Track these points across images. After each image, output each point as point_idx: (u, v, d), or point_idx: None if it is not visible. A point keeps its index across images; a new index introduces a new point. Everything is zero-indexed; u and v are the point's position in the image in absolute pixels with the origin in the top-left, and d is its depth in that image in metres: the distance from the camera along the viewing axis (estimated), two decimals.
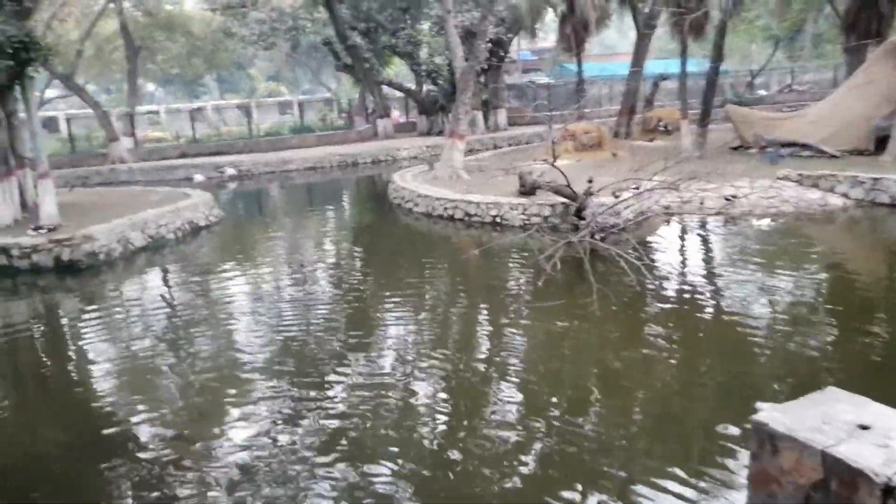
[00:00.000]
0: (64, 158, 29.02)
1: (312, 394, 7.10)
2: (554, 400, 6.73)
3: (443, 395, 6.94)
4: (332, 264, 13.44)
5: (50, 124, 37.01)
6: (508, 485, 5.33)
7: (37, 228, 14.10)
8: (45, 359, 9.42)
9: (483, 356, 8.01)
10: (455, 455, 5.79)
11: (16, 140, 16.94)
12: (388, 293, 10.79)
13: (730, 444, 5.59)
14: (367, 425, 6.35)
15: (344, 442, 6.08)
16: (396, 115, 39.38)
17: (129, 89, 35.19)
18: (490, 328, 9.08)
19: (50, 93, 39.65)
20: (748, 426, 3.20)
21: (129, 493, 5.53)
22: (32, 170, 16.19)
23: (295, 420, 6.54)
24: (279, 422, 6.53)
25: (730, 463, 5.34)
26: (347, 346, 8.48)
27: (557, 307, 9.28)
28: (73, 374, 8.67)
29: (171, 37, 35.83)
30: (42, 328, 10.66)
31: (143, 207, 16.26)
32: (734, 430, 5.74)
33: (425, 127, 35.45)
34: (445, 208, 15.92)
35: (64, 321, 11.09)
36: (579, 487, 5.23)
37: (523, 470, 5.53)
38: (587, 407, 6.66)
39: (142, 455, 6.11)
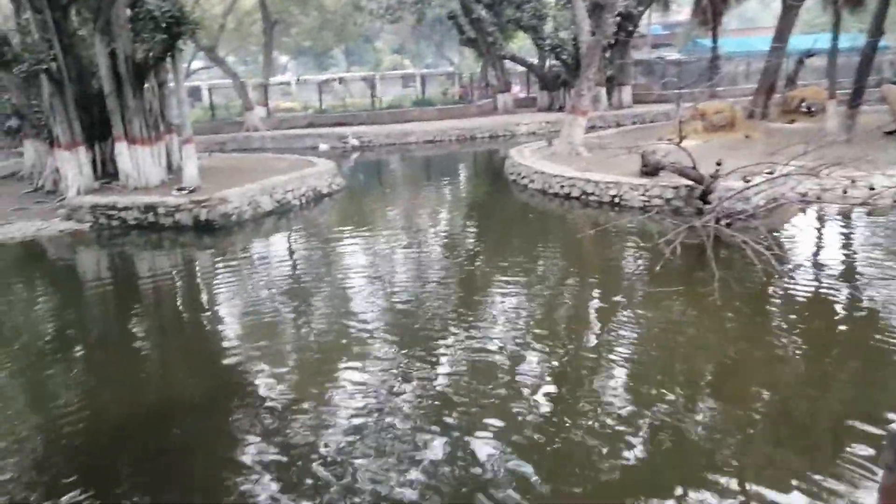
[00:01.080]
0: (205, 125, 31.22)
1: (420, 361, 7.28)
2: (665, 390, 6.49)
3: (548, 375, 6.90)
4: (446, 236, 13.62)
5: (194, 94, 39.76)
6: (610, 475, 5.24)
7: (180, 189, 15.34)
8: (181, 307, 10.30)
9: (593, 339, 7.86)
10: (557, 435, 5.77)
11: (165, 108, 18.44)
12: (499, 269, 10.80)
13: (857, 455, 5.17)
14: (472, 396, 6.45)
15: (448, 410, 6.21)
16: (517, 89, 38.91)
17: (264, 61, 37.07)
18: (602, 311, 8.87)
19: (195, 64, 42.58)
20: (881, 435, 2.94)
21: (252, 438, 5.97)
22: (178, 135, 17.57)
23: (403, 384, 6.76)
24: (388, 385, 6.77)
25: (856, 475, 4.95)
26: (457, 317, 8.61)
27: (675, 294, 8.91)
28: (205, 323, 9.44)
29: (304, 11, 37.24)
30: (181, 279, 11.65)
31: (272, 174, 17.22)
32: (863, 439, 5.30)
33: (546, 102, 34.84)
34: (562, 186, 15.64)
35: (199, 274, 12.03)
36: (684, 487, 5.05)
37: (626, 461, 5.40)
38: (700, 401, 6.38)
39: (263, 403, 6.56)
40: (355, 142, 29.05)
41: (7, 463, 5.79)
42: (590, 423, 5.91)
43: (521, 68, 37.94)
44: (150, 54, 16.17)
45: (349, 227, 14.52)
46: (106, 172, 17.63)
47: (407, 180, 22.40)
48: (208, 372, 7.63)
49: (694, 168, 12.43)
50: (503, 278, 10.20)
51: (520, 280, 10.09)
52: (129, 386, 7.32)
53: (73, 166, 16.68)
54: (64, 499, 5.17)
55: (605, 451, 5.49)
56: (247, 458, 5.65)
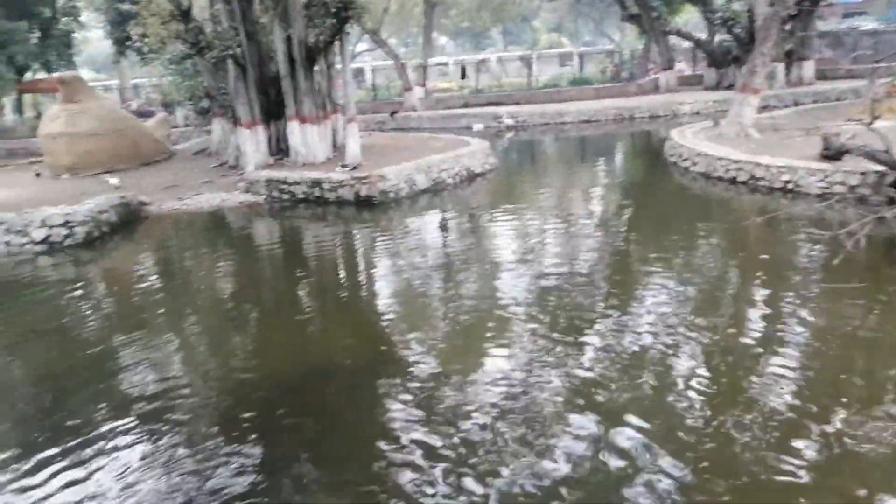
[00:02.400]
0: (367, 105, 32.79)
1: (566, 346, 7.20)
2: (839, 397, 5.90)
3: (702, 370, 6.52)
4: (599, 219, 13.27)
5: (358, 75, 41.85)
6: (768, 486, 4.88)
7: (343, 166, 16.27)
8: (341, 276, 10.98)
9: (755, 335, 7.31)
10: (709, 435, 5.46)
11: (332, 89, 19.56)
12: (653, 254, 10.36)
13: None
14: (617, 385, 6.28)
15: (592, 397, 6.10)
16: (681, 67, 36.72)
17: (424, 42, 38.05)
18: (767, 306, 8.21)
19: (359, 47, 44.70)
20: None
21: (399, 405, 6.25)
22: (342, 114, 18.58)
23: (549, 368, 6.73)
24: (534, 367, 6.77)
25: None
26: (606, 303, 8.40)
27: (855, 291, 8.03)
28: (362, 292, 10.00)
29: None
30: (342, 250, 12.40)
31: (427, 153, 17.72)
32: None
33: (713, 80, 32.57)
34: (727, 169, 14.61)
35: (358, 246, 12.73)
36: None
37: (790, 475, 4.99)
38: (881, 411, 5.73)
39: (411, 373, 6.85)
40: (510, 121, 29.05)
41: (187, 404, 6.56)
42: (749, 427, 5.51)
43: (686, 44, 35.78)
44: (321, 38, 17.21)
45: (501, 207, 14.60)
46: (279, 149, 19.13)
47: (561, 161, 22.06)
48: (363, 338, 8.09)
49: (887, 152, 11.05)
50: (659, 266, 9.76)
51: (677, 268, 9.61)
52: (294, 345, 7.97)
53: (252, 143, 18.26)
54: (234, 435, 5.77)
55: (765, 459, 5.11)
56: (393, 424, 5.93)
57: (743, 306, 8.30)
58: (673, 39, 34.34)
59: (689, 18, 40.11)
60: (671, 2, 32.65)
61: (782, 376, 6.31)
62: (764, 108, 20.95)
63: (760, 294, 8.62)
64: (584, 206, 14.65)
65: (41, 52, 37.71)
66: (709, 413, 5.76)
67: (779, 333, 7.26)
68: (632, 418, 5.69)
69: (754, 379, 6.31)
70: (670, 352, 6.90)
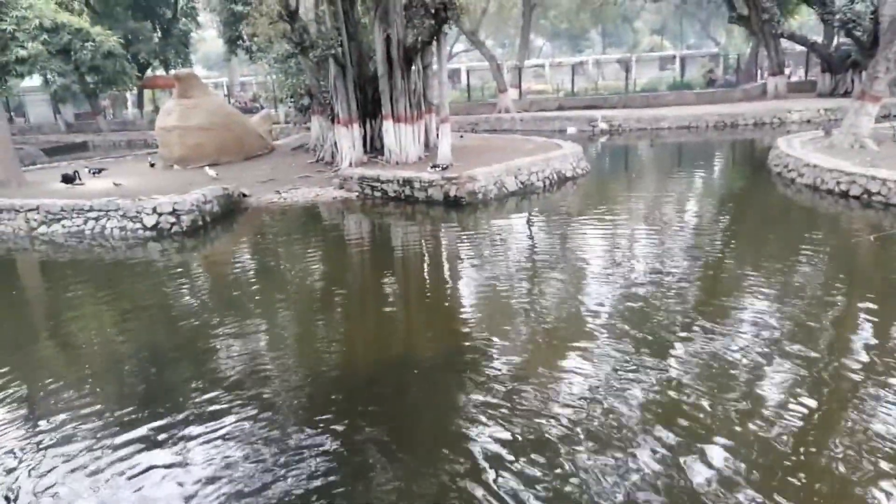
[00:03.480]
0: (460, 106, 33.03)
1: (651, 357, 6.99)
2: None
3: (797, 396, 6.15)
4: (692, 229, 12.78)
5: (453, 76, 42.22)
6: None
7: (434, 167, 16.48)
8: (427, 273, 11.13)
9: (858, 361, 6.81)
10: (798, 464, 5.15)
11: (427, 88, 19.85)
12: (750, 269, 9.87)
13: None
14: (704, 404, 6.03)
15: (674, 413, 5.90)
16: (790, 72, 34.74)
17: (520, 44, 37.90)
18: (875, 330, 7.64)
19: (456, 48, 45.09)
20: None
21: (477, 402, 6.28)
22: (436, 114, 18.82)
23: (629, 379, 6.56)
24: (614, 378, 6.62)
25: None
26: (696, 317, 8.08)
27: None
28: (446, 290, 10.10)
29: None
30: (429, 249, 12.57)
31: (518, 155, 17.65)
32: None
33: (828, 87, 30.64)
34: (838, 182, 13.70)
35: (445, 246, 12.86)
36: None
37: None
38: None
39: (491, 372, 6.86)
40: (604, 125, 28.47)
41: (274, 387, 6.85)
42: (843, 459, 5.16)
43: (798, 48, 33.80)
44: (419, 39, 17.50)
45: (590, 213, 14.34)
46: (374, 147, 19.62)
47: (656, 167, 21.40)
48: (445, 334, 8.17)
49: None
50: (756, 281, 9.29)
51: (774, 285, 9.11)
52: (378, 337, 8.17)
53: (348, 141, 18.82)
54: (316, 420, 5.98)
55: (858, 495, 4.77)
56: (470, 420, 5.96)
57: (847, 330, 7.76)
58: (784, 43, 32.52)
59: (805, 21, 37.85)
60: (785, 2, 30.93)
61: (886, 407, 5.86)
62: (884, 118, 19.50)
63: (868, 318, 8.02)
64: (678, 216, 14.15)
65: (161, 50, 40.52)
66: (800, 441, 5.43)
67: (886, 360, 6.74)
68: (717, 438, 5.46)
69: (853, 408, 5.89)
70: (763, 373, 6.56)
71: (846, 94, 27.13)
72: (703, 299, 8.76)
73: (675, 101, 32.25)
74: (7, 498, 5.18)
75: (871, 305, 8.33)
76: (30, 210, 14.96)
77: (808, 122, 25.44)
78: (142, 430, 6.13)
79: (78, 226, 14.48)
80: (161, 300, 10.29)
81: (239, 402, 6.57)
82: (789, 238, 11.71)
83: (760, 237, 11.95)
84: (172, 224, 14.07)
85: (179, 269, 12.15)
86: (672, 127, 27.85)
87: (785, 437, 5.48)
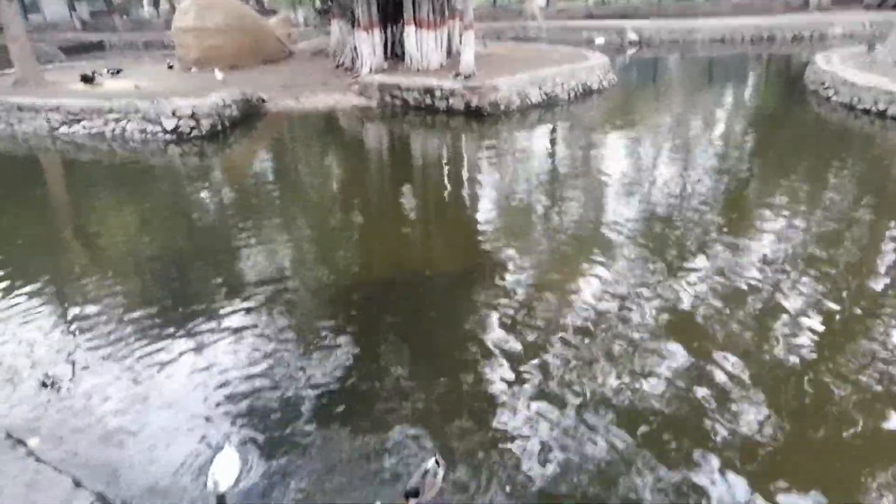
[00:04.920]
0: (485, 12, 31.74)
1: (668, 273, 7.00)
2: None
3: (813, 317, 6.15)
4: (721, 146, 12.45)
5: None
6: (859, 447, 4.66)
7: (456, 75, 16.03)
8: (445, 184, 11.06)
9: (882, 286, 6.77)
10: (811, 385, 5.23)
11: None
12: (776, 188, 9.67)
13: None
14: (716, 319, 6.08)
15: (688, 330, 5.96)
16: None
17: None
18: None
19: None
20: None
21: (493, 312, 6.38)
22: (460, 21, 18.12)
23: (646, 294, 6.60)
24: (630, 292, 6.66)
25: None
26: (717, 233, 8.01)
27: None
28: (464, 201, 10.07)
29: None
30: (448, 159, 12.44)
31: (543, 65, 17.09)
32: None
33: None
34: (876, 101, 13.17)
35: (464, 157, 12.71)
36: None
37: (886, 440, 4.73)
38: None
39: (507, 284, 6.93)
40: (634, 37, 27.34)
41: (294, 290, 7.00)
42: (856, 383, 5.22)
43: None
44: None
45: (614, 127, 14.01)
46: (394, 53, 19.07)
47: (685, 81, 20.67)
48: (463, 245, 8.22)
49: None
50: (779, 199, 9.12)
51: (799, 205, 8.95)
52: (397, 246, 8.23)
53: (368, 46, 18.29)
54: (335, 324, 6.15)
55: (868, 410, 4.86)
56: (485, 329, 6.08)
57: (869, 253, 7.67)
58: None
59: None
60: None
61: None
62: None
63: (893, 242, 7.90)
64: (705, 132, 13.77)
65: None
66: (810, 360, 5.49)
67: None
68: (727, 354, 5.54)
69: (868, 327, 5.91)
70: (780, 290, 6.56)
71: None
72: (727, 216, 8.66)
73: (711, 11, 30.71)
74: (44, 383, 5.45)
75: None
76: (50, 110, 14.93)
77: (851, 36, 24.21)
78: (168, 325, 6.35)
79: (98, 127, 14.46)
80: (183, 203, 10.39)
81: (261, 302, 6.74)
82: (819, 157, 11.40)
83: (789, 155, 11.64)
84: (192, 128, 13.99)
85: (200, 173, 12.19)
86: (705, 39, 26.67)
87: (796, 356, 5.54)
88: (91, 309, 6.75)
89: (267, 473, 4.45)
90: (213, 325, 6.34)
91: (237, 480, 4.27)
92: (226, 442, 4.52)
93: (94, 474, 4.45)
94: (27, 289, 7.26)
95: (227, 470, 4.22)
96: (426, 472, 4.18)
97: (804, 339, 5.74)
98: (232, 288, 7.13)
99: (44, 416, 5.09)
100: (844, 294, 6.46)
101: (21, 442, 4.73)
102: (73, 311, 6.74)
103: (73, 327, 6.40)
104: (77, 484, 4.36)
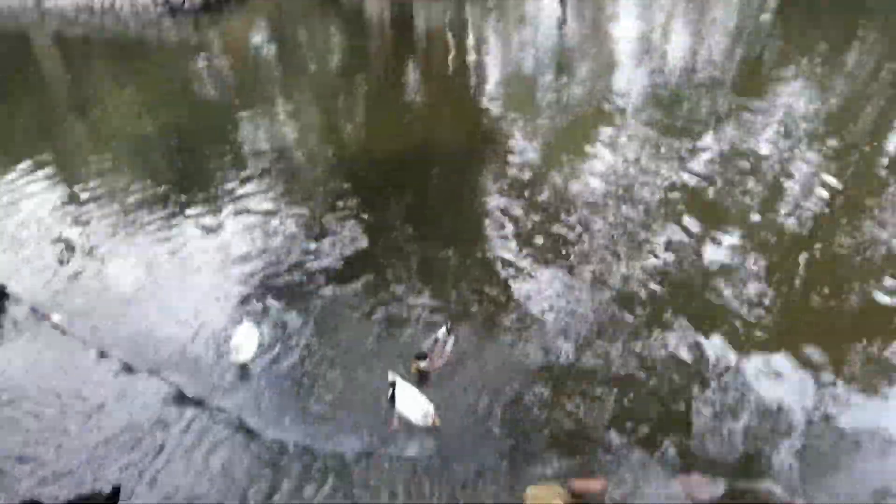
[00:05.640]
0: None
1: (676, 148, 6.89)
2: None
3: (820, 186, 6.10)
4: (736, 22, 11.80)
5: None
6: (862, 307, 4.77)
7: None
8: (448, 57, 10.65)
9: (890, 160, 6.65)
10: (811, 256, 5.29)
11: None
12: (795, 55, 9.28)
13: None
14: (726, 191, 6.06)
15: (694, 204, 5.95)
16: None
17: None
18: None
19: None
20: None
21: (497, 188, 6.36)
22: None
23: (651, 170, 6.52)
24: (637, 167, 6.59)
25: None
26: (728, 109, 7.78)
27: None
28: (468, 75, 9.74)
29: None
30: (451, 31, 11.90)
31: None
32: None
33: None
34: None
35: (468, 28, 12.15)
36: None
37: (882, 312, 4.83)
38: None
39: (513, 159, 6.86)
40: None
41: (299, 169, 6.97)
42: (855, 254, 5.27)
43: None
44: None
45: None
46: None
47: None
48: (468, 121, 8.05)
49: None
50: (798, 67, 8.77)
51: (818, 74, 8.61)
52: (401, 122, 8.07)
53: None
54: (340, 202, 6.18)
55: (871, 278, 4.95)
56: (490, 206, 6.09)
57: (882, 130, 7.47)
58: None
59: None
60: None
61: None
62: None
63: None
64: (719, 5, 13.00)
65: None
66: (813, 234, 5.52)
67: None
68: (734, 226, 5.57)
69: (872, 207, 5.87)
70: (790, 162, 6.48)
71: None
72: (739, 89, 8.38)
73: None
74: (60, 260, 5.57)
75: None
76: None
77: None
78: (178, 203, 6.37)
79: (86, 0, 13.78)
80: (182, 79, 10.10)
81: (268, 179, 6.73)
82: (842, 27, 10.82)
83: (810, 26, 11.06)
84: (184, 1, 13.31)
85: (197, 47, 11.74)
86: None
87: (800, 230, 5.57)
88: (101, 189, 6.76)
89: (284, 343, 4.64)
90: (221, 203, 6.37)
91: (257, 351, 4.46)
92: (247, 317, 4.65)
93: (117, 346, 4.65)
94: (34, 170, 7.24)
95: (247, 342, 4.40)
96: (436, 340, 4.35)
97: (806, 214, 5.74)
98: (239, 165, 7.09)
99: (64, 292, 5.23)
100: (848, 171, 6.38)
101: (46, 317, 4.92)
102: (84, 191, 6.75)
103: (84, 207, 6.43)
104: (102, 355, 4.57)
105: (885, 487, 3.56)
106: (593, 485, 3.62)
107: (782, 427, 3.91)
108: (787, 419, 3.95)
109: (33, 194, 6.75)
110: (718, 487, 3.60)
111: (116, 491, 3.40)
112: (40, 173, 7.18)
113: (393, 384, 3.98)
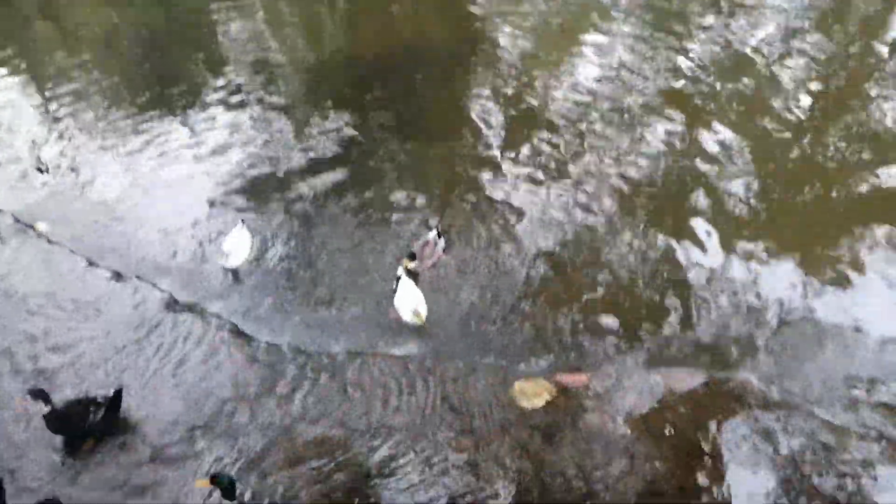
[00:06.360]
0: None
1: (666, 46, 6.71)
2: None
3: (810, 84, 6.04)
4: None
5: None
6: (850, 200, 4.85)
7: None
8: None
9: (878, 59, 6.54)
10: (798, 150, 5.32)
11: None
12: None
13: None
14: (714, 89, 5.99)
15: (682, 99, 5.89)
16: None
17: None
18: None
19: None
20: None
21: (484, 92, 6.22)
22: None
23: (640, 67, 6.38)
24: (624, 66, 6.43)
25: None
26: (716, 7, 7.50)
27: None
28: None
29: None
30: None
31: None
32: None
33: None
34: None
35: None
36: None
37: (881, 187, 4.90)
38: None
39: (501, 61, 6.67)
40: None
41: (283, 72, 6.72)
42: (840, 148, 5.30)
43: None
44: None
45: None
46: None
47: None
48: (455, 23, 7.72)
49: None
50: None
51: None
52: (386, 24, 7.71)
53: None
54: (327, 105, 6.03)
55: (857, 176, 5.01)
56: (477, 106, 5.98)
57: (876, 29, 7.26)
58: None
59: None
60: None
61: (890, 102, 5.81)
62: None
63: None
64: None
65: None
66: (799, 129, 5.52)
67: None
68: (723, 121, 5.55)
69: (859, 103, 5.83)
70: (778, 64, 6.35)
71: None
72: None
73: None
74: (39, 169, 5.43)
75: None
76: None
77: None
78: (157, 107, 6.13)
79: None
80: None
81: (251, 81, 6.48)
82: None
83: None
84: None
85: None
86: None
87: (786, 126, 5.56)
88: (75, 93, 6.44)
89: (275, 246, 4.66)
90: (203, 106, 6.18)
91: (248, 255, 4.46)
92: (237, 221, 4.61)
93: (103, 255, 4.63)
94: (4, 73, 6.88)
95: (238, 246, 4.39)
96: (426, 241, 4.39)
97: (793, 112, 5.71)
98: (217, 62, 6.82)
99: (45, 201, 5.12)
100: (838, 70, 6.29)
101: (30, 226, 4.85)
102: (58, 96, 6.42)
103: (60, 112, 6.17)
104: (90, 263, 4.56)
105: (855, 375, 3.75)
106: (578, 379, 3.79)
107: (760, 320, 4.06)
108: (765, 313, 4.10)
109: (6, 107, 6.40)
110: (697, 378, 3.77)
111: (118, 393, 3.50)
112: (7, 78, 6.84)
113: (398, 278, 4.03)
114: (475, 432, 3.53)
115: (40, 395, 3.32)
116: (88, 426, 3.42)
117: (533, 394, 3.69)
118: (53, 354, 3.97)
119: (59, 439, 3.47)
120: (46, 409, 3.30)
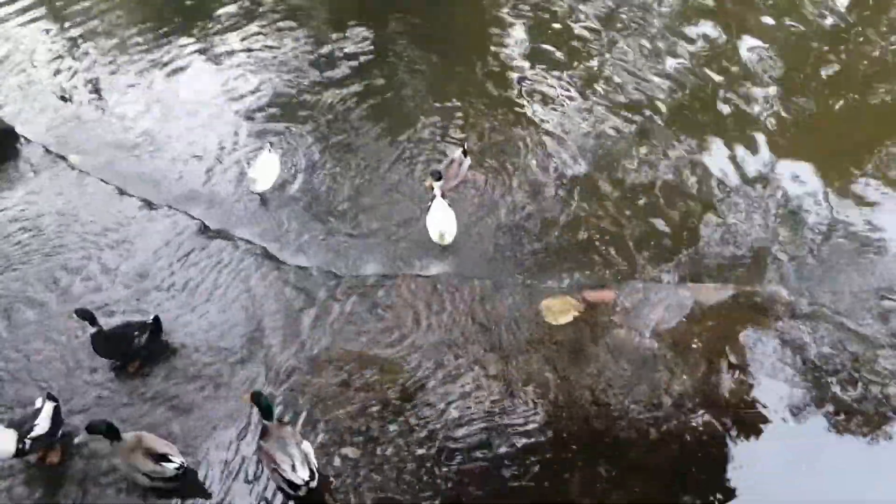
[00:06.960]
0: None
1: None
2: None
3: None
4: None
5: None
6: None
7: None
8: None
9: None
10: (832, 60, 5.05)
11: None
12: None
13: None
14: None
15: (709, 9, 5.57)
16: None
17: None
18: None
19: None
20: None
21: (503, 11, 5.94)
22: None
23: None
24: None
25: None
26: None
27: None
28: None
29: None
30: None
31: None
32: None
33: None
34: None
35: None
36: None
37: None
38: None
39: None
40: None
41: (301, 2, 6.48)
42: (876, 60, 5.01)
43: None
44: None
45: None
46: None
47: None
48: None
49: None
50: None
51: None
52: None
53: None
54: (348, 21, 5.81)
55: (879, 92, 4.76)
56: (501, 19, 5.74)
57: None
58: None
59: None
60: None
61: None
62: None
63: None
64: None
65: None
66: (833, 38, 5.22)
67: None
68: (750, 33, 5.28)
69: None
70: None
71: None
72: None
73: None
74: (63, 98, 5.41)
75: None
76: None
77: None
78: (176, 36, 5.96)
79: None
80: None
81: (269, 10, 6.24)
82: None
83: None
84: None
85: None
86: None
87: (818, 36, 5.26)
88: (94, 25, 6.26)
89: (301, 169, 4.65)
90: (222, 36, 5.97)
91: (276, 179, 4.47)
92: (265, 144, 4.59)
93: (133, 183, 4.68)
94: (27, 5, 6.68)
95: (266, 171, 4.39)
96: (452, 160, 4.34)
97: (824, 21, 5.38)
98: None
99: (71, 133, 5.12)
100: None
101: (62, 157, 4.90)
102: (77, 27, 6.24)
103: (80, 43, 6.04)
104: (121, 192, 4.62)
105: (886, 287, 3.70)
106: (605, 295, 3.80)
107: (790, 234, 4.00)
108: (796, 227, 4.03)
109: (25, 36, 6.28)
110: (726, 292, 3.76)
111: (157, 319, 3.63)
112: (29, 10, 6.65)
113: (433, 197, 4.02)
114: (504, 348, 3.60)
115: (86, 315, 3.45)
116: (134, 349, 3.57)
117: (560, 311, 3.73)
118: (88, 282, 4.09)
119: (105, 362, 3.64)
120: (94, 330, 3.45)
